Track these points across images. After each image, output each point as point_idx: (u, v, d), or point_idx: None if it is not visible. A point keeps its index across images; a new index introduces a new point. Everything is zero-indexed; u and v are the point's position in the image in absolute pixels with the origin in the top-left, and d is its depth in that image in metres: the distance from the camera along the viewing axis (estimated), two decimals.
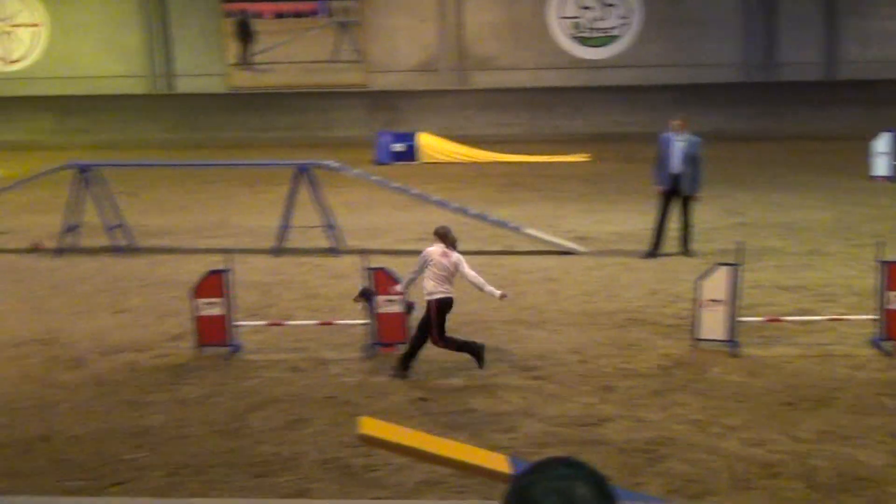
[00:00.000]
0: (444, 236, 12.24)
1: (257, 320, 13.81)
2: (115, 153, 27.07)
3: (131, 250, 18.28)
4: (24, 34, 29.94)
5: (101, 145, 28.71)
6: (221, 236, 19.10)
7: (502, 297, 12.20)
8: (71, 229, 18.38)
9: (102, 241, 18.45)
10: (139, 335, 14.05)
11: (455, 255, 12.13)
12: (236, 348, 13.11)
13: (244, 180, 23.55)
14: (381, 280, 12.90)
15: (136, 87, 30.16)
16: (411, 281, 12.45)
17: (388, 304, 12.84)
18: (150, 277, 16.78)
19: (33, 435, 11.00)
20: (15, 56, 30.10)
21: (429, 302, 12.04)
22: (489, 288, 12.18)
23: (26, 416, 11.47)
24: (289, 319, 14.09)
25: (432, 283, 12.02)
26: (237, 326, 13.26)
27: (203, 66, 30.21)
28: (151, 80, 30.18)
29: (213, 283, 13.03)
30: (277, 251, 17.70)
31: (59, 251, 18.13)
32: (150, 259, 17.84)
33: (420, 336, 12.10)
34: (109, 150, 27.89)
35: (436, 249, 12.12)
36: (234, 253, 13.82)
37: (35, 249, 18.51)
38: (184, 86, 30.23)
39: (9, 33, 29.98)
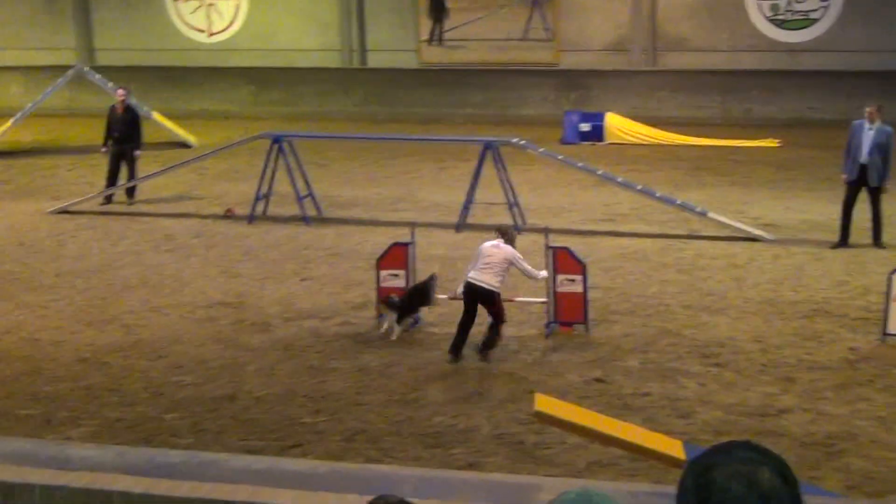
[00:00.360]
0: (505, 234, 12.43)
1: (438, 294, 13.96)
2: (308, 125, 27.72)
3: (320, 220, 18.73)
4: (226, 7, 30.92)
5: (295, 117, 29.44)
6: (407, 210, 19.38)
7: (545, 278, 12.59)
8: (263, 197, 18.94)
9: (292, 210, 18.94)
10: (324, 303, 14.41)
11: (507, 249, 12.15)
12: (417, 320, 13.30)
13: (431, 155, 23.81)
14: (562, 260, 12.89)
15: (331, 61, 30.80)
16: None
17: (569, 284, 12.83)
18: (337, 247, 17.16)
19: (220, 394, 11.44)
20: (216, 28, 31.14)
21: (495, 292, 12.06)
22: (542, 273, 12.54)
23: (214, 376, 11.93)
24: None
25: (488, 273, 12.04)
26: None
27: (395, 41, 30.65)
28: (345, 54, 30.78)
29: (396, 255, 13.27)
30: (460, 226, 17.85)
31: (251, 218, 18.70)
32: (337, 229, 18.24)
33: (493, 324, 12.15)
34: (303, 121, 28.57)
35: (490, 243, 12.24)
36: (418, 226, 14.00)
37: (228, 215, 19.15)
38: (376, 60, 30.73)
39: (212, 5, 31.00)
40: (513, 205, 18.06)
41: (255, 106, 30.59)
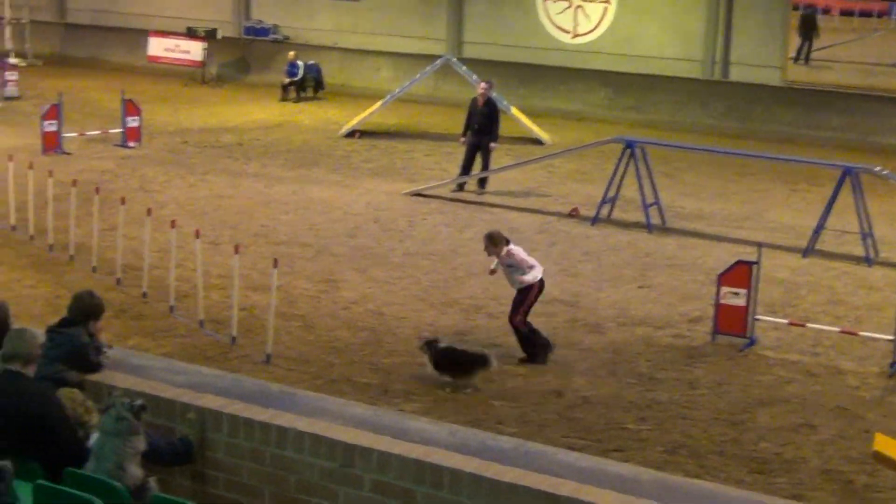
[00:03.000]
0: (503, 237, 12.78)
1: (777, 317, 13.61)
2: (660, 133, 27.58)
3: (663, 229, 18.62)
4: (594, 10, 31.16)
5: (647, 124, 29.33)
6: (752, 228, 18.94)
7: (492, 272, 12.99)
8: (609, 201, 19.03)
9: (636, 216, 18.93)
10: (658, 312, 14.35)
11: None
12: (752, 341, 13.03)
13: (784, 176, 23.14)
14: None
15: (690, 71, 30.43)
16: None
17: None
18: (677, 258, 17.02)
19: (548, 389, 11.64)
20: (581, 30, 31.47)
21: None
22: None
23: (544, 370, 12.15)
24: (809, 322, 13.75)
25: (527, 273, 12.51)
26: (757, 320, 13.16)
27: (760, 56, 29.89)
28: (706, 66, 30.35)
29: (740, 274, 13.03)
30: (807, 252, 17.27)
31: (595, 220, 18.83)
32: (679, 240, 18.08)
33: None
34: (654, 129, 28.44)
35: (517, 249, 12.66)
36: (763, 247, 13.67)
37: (573, 215, 19.36)
38: (738, 74, 30.13)
39: (580, 7, 31.35)
40: (867, 235, 17.29)
41: (608, 110, 30.69)
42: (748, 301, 12.93)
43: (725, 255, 16.45)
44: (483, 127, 20.93)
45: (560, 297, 14.71)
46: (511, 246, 12.58)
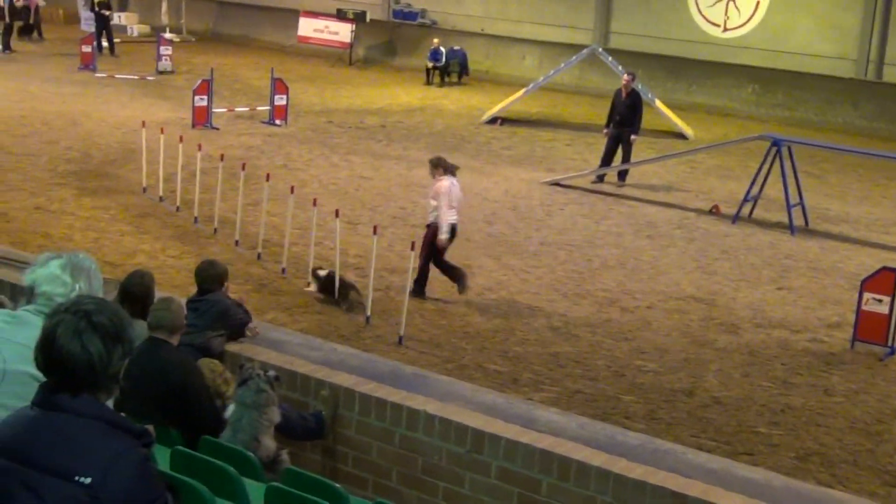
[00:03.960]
0: (444, 165, 13.62)
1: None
2: (808, 132, 27.00)
3: (805, 231, 18.24)
4: (745, 4, 30.60)
5: (794, 122, 28.74)
6: None
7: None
8: (752, 199, 18.71)
9: (778, 216, 18.58)
10: (796, 315, 14.07)
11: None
12: (893, 350, 12.68)
13: None
14: None
15: (843, 70, 29.67)
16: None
17: None
18: (819, 261, 16.65)
19: (678, 387, 11.52)
20: (732, 24, 30.93)
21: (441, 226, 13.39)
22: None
23: (676, 368, 12.03)
24: None
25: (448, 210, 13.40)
26: None
27: None
28: (859, 65, 29.54)
29: (884, 280, 12.68)
30: None
31: (736, 218, 18.54)
32: (822, 243, 17.68)
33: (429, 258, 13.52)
34: (802, 128, 27.86)
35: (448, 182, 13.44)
36: None
37: (713, 212, 19.09)
38: (892, 75, 29.26)
39: (732, 1, 30.82)
40: None
41: (755, 106, 30.15)
42: (891, 309, 12.59)
43: (870, 261, 16.05)
44: (625, 119, 20.79)
45: (695, 295, 14.54)
46: (445, 180, 13.47)
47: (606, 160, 20.92)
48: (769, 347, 12.86)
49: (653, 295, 14.42)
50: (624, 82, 21.24)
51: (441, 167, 13.57)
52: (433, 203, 13.57)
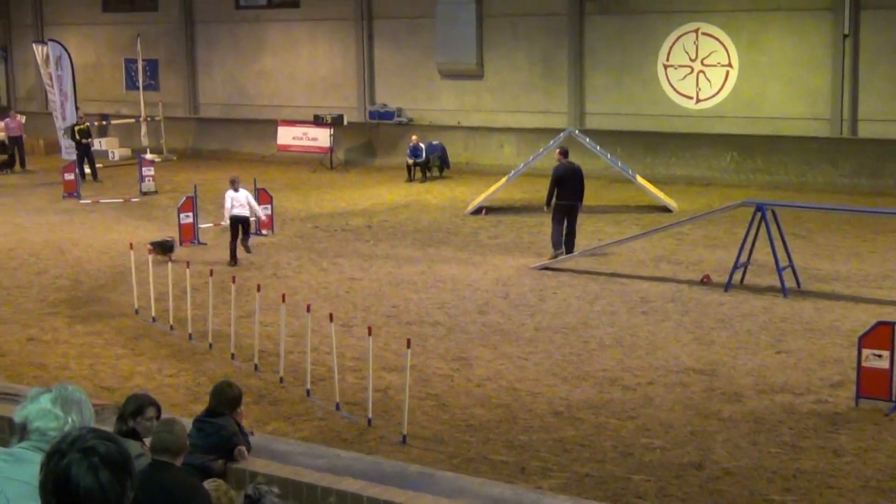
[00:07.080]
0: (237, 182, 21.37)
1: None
2: (789, 194, 27.19)
3: (798, 292, 18.27)
4: (715, 74, 30.97)
5: (776, 186, 28.94)
6: (891, 288, 18.45)
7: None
8: (741, 266, 18.76)
9: (770, 280, 18.62)
10: (798, 378, 14.04)
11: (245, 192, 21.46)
12: None
13: None
14: None
15: (818, 130, 29.95)
16: None
17: None
18: (815, 322, 16.65)
19: (687, 461, 11.44)
20: (704, 95, 31.28)
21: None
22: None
23: (683, 442, 11.96)
24: None
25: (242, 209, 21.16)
26: None
27: (890, 111, 29.23)
28: (834, 124, 29.83)
29: (881, 335, 12.68)
30: None
31: (728, 286, 18.57)
32: (815, 303, 17.70)
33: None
34: (784, 190, 28.05)
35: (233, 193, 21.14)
36: None
37: (705, 282, 19.12)
38: (867, 131, 29.53)
39: (702, 72, 31.19)
40: None
41: (735, 173, 30.37)
42: (892, 363, 12.57)
43: (865, 317, 16.06)
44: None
45: (695, 367, 14.51)
46: (231, 191, 21.09)
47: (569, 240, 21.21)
48: (774, 413, 12.80)
49: (652, 371, 14.38)
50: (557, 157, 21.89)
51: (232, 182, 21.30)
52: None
